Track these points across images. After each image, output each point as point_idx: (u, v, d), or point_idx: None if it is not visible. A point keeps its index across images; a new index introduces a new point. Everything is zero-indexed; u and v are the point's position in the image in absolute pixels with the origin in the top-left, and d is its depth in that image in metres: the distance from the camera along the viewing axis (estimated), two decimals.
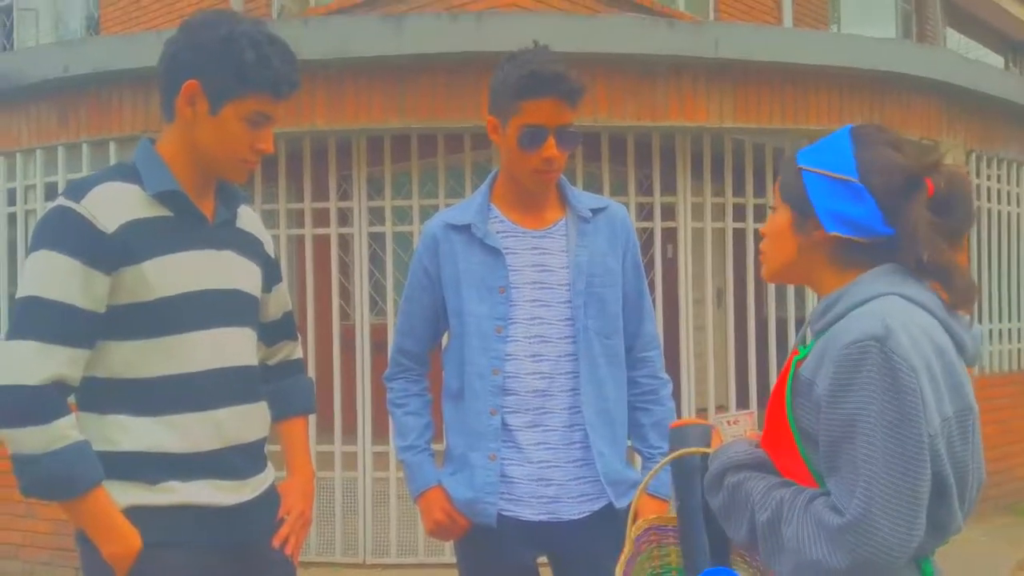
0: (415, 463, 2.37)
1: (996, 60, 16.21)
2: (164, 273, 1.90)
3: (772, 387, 1.63)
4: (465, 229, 2.27)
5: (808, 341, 1.58)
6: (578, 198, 2.34)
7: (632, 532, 1.87)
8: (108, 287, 1.85)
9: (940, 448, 1.40)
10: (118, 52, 5.35)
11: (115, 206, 1.87)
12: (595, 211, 2.33)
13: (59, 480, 1.80)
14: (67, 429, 1.80)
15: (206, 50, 1.89)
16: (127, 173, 1.94)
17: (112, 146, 5.44)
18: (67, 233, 1.83)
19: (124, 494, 1.86)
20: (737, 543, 1.59)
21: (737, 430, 1.73)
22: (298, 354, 2.34)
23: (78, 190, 1.87)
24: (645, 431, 2.40)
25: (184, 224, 1.95)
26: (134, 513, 1.86)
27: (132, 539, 1.84)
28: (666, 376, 2.47)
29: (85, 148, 5.53)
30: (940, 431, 1.41)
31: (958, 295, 1.51)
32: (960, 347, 1.50)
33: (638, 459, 2.47)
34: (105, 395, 1.90)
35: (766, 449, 1.59)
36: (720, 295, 7.12)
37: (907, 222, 1.47)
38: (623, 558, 1.80)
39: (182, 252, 1.93)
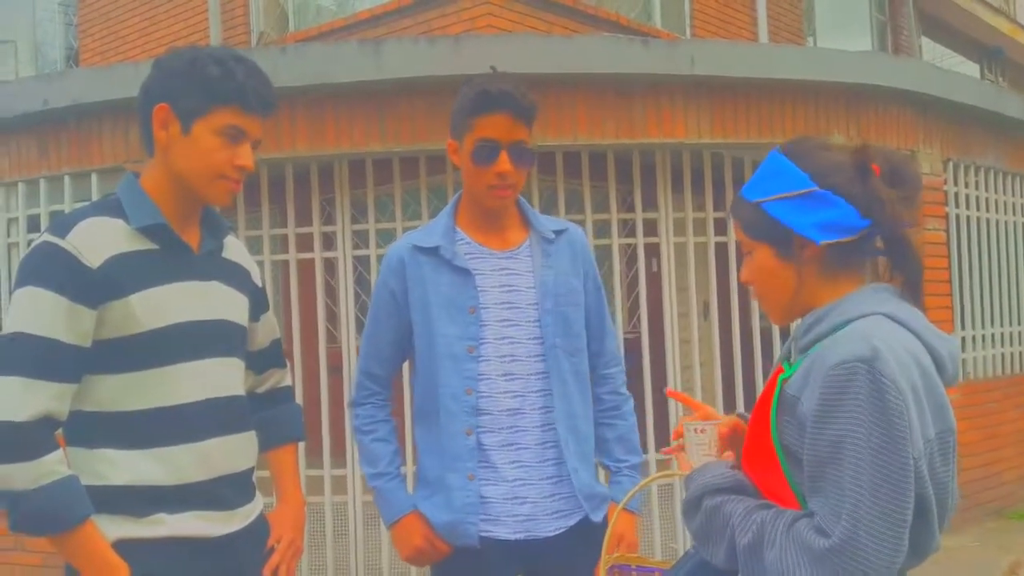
0: (388, 490, 2.37)
1: (972, 68, 16.37)
2: (150, 306, 1.91)
3: (755, 403, 1.65)
4: (432, 251, 2.31)
5: (793, 358, 1.59)
6: (539, 220, 2.41)
7: (604, 565, 1.89)
8: (94, 322, 1.87)
9: (923, 470, 1.42)
10: (97, 84, 5.37)
11: (100, 241, 1.88)
12: (557, 232, 2.40)
13: (48, 516, 1.80)
14: (55, 464, 1.80)
15: (172, 73, 1.94)
16: (111, 208, 1.95)
17: (94, 177, 5.45)
18: (52, 269, 1.85)
19: (113, 528, 1.87)
20: (716, 565, 1.59)
21: (703, 439, 1.73)
22: (287, 382, 2.36)
23: (63, 226, 1.88)
24: (610, 445, 2.45)
25: (169, 256, 1.97)
26: (123, 547, 1.86)
27: (121, 573, 1.84)
28: (627, 392, 2.53)
29: (67, 180, 5.54)
30: (923, 453, 1.42)
31: (913, 281, 1.55)
32: (940, 366, 1.51)
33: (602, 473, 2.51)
34: (92, 429, 1.91)
35: (746, 467, 1.61)
36: (706, 308, 7.16)
37: (878, 202, 1.51)
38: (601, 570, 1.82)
39: (168, 284, 1.95)
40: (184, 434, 1.94)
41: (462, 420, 2.26)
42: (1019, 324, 7.52)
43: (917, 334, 1.50)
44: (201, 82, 1.91)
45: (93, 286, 1.85)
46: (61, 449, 1.85)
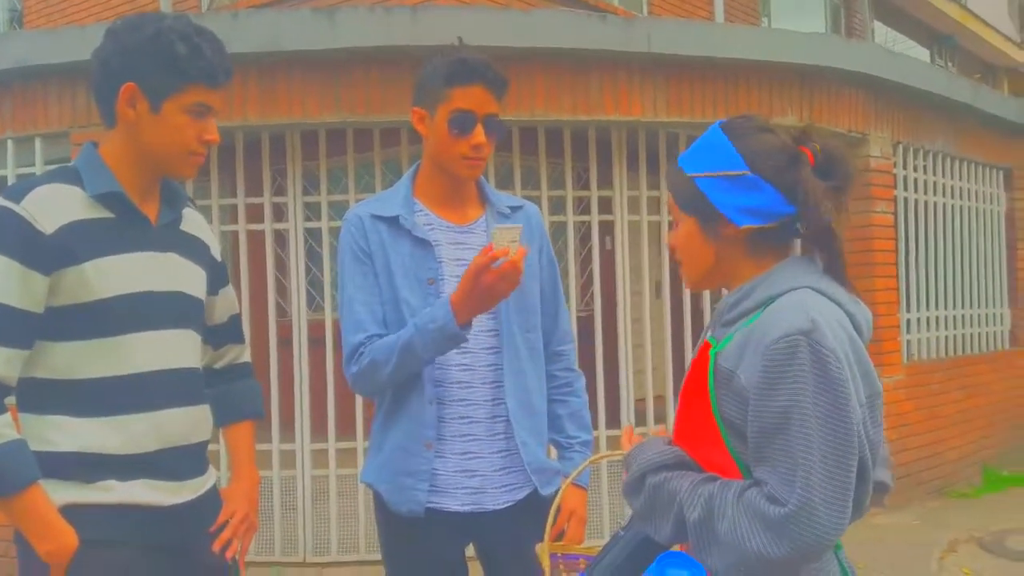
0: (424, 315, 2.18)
1: (922, 53, 16.60)
2: (105, 274, 1.90)
3: (683, 383, 1.65)
4: (391, 221, 2.28)
5: (719, 332, 1.61)
6: (496, 196, 2.40)
7: (546, 550, 1.88)
8: (47, 288, 1.86)
9: (862, 434, 1.46)
10: (43, 47, 5.22)
11: (55, 207, 1.88)
12: (513, 208, 2.40)
13: None
14: (2, 427, 1.80)
15: (136, 51, 1.91)
16: (69, 175, 1.95)
17: (38, 142, 5.31)
18: (5, 234, 1.84)
19: (61, 492, 1.87)
20: (661, 541, 1.60)
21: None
22: (245, 358, 2.35)
23: (18, 191, 1.88)
24: (562, 422, 2.46)
25: (126, 226, 1.97)
26: (71, 511, 1.86)
27: (68, 537, 1.84)
28: (579, 370, 2.54)
29: (10, 144, 5.39)
30: (860, 418, 1.46)
31: (834, 261, 1.58)
32: (859, 332, 1.56)
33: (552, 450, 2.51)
34: (45, 396, 1.91)
35: (681, 444, 1.62)
36: (658, 287, 7.20)
37: (803, 193, 1.53)
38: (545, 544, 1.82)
39: (123, 254, 1.94)
40: (138, 403, 1.93)
41: (429, 389, 2.25)
42: (963, 307, 7.67)
43: (839, 304, 1.54)
44: (169, 61, 1.90)
45: (46, 252, 1.85)
46: (9, 413, 1.84)
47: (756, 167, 1.56)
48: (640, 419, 5.82)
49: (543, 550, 1.90)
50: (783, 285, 1.54)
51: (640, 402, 5.85)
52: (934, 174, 7.28)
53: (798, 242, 1.64)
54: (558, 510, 1.95)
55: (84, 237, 1.89)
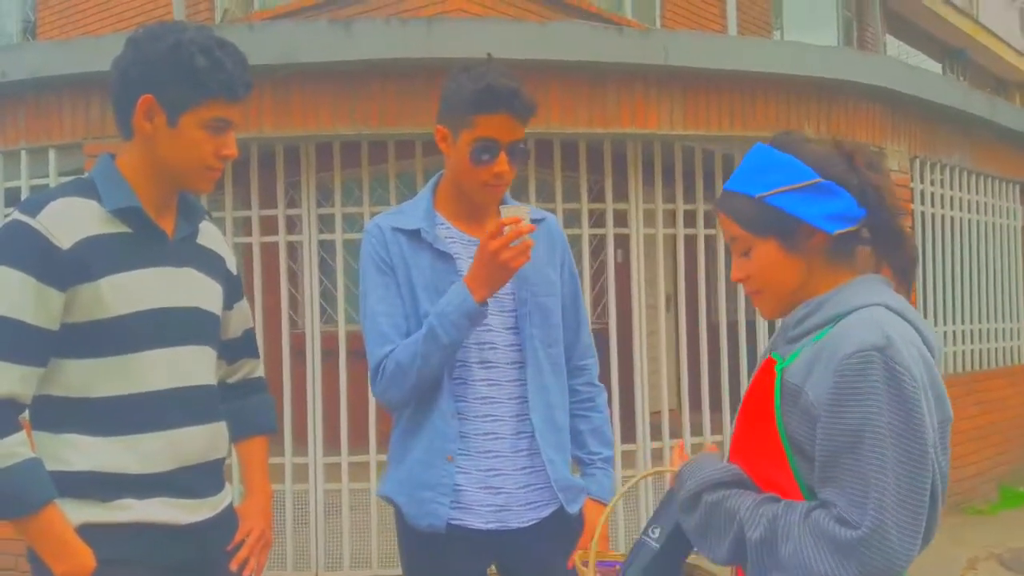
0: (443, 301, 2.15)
1: (934, 67, 16.56)
2: (121, 291, 1.87)
3: (743, 399, 1.61)
4: (413, 234, 2.24)
5: (784, 349, 1.57)
6: (518, 209, 2.34)
7: (592, 561, 1.84)
8: (62, 304, 1.82)
9: (935, 458, 1.43)
10: (56, 57, 5.21)
11: (72, 222, 1.84)
12: (535, 221, 2.33)
13: (9, 498, 1.76)
14: (17, 446, 1.77)
15: (156, 63, 1.87)
16: (85, 188, 1.91)
17: (52, 153, 5.30)
18: (21, 248, 1.80)
19: (77, 512, 1.83)
20: (715, 562, 1.57)
21: None
22: (259, 372, 2.32)
23: (34, 205, 1.84)
24: (584, 438, 2.41)
25: (143, 241, 1.93)
26: (88, 531, 1.83)
27: (85, 557, 1.81)
28: (601, 384, 2.50)
29: (24, 155, 5.38)
30: (933, 439, 1.42)
31: (905, 263, 1.57)
32: (931, 352, 1.52)
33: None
34: (59, 414, 1.87)
35: (738, 462, 1.58)
36: (669, 300, 7.16)
37: (874, 192, 1.53)
38: (591, 564, 1.77)
39: (140, 269, 1.91)
40: (153, 422, 1.90)
41: (450, 403, 2.21)
42: (980, 322, 7.60)
43: (913, 324, 1.50)
44: (188, 74, 1.86)
45: (63, 268, 1.81)
46: (24, 432, 1.81)
47: (826, 174, 1.54)
48: (655, 433, 5.77)
49: (588, 563, 1.84)
50: (856, 301, 1.51)
51: (655, 415, 5.81)
52: (951, 188, 7.23)
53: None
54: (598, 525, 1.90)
55: (100, 253, 1.85)
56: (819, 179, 1.53)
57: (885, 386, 1.38)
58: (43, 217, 1.81)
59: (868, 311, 1.48)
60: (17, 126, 5.39)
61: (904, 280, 1.57)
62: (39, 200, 1.86)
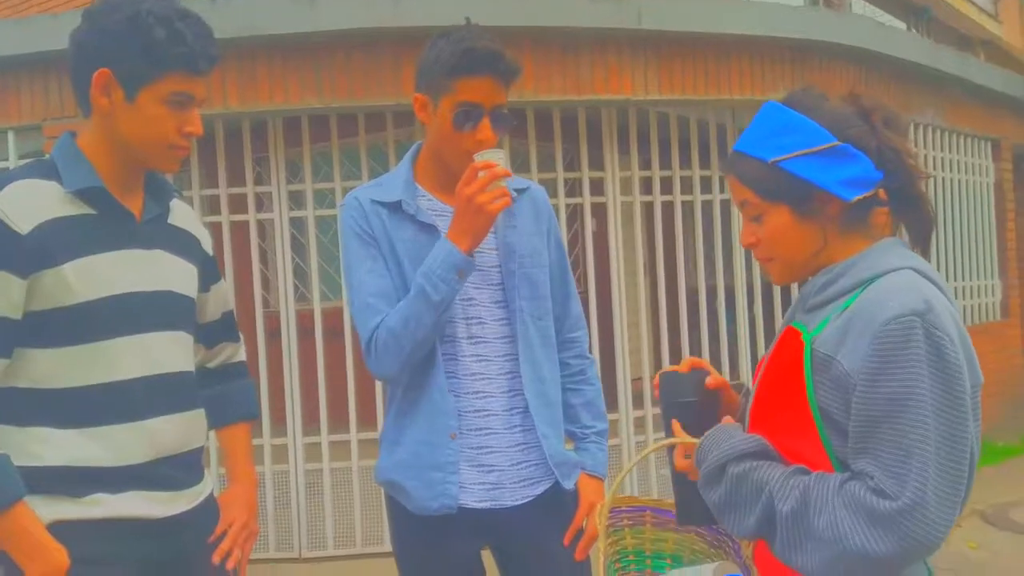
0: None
1: (899, 26, 16.53)
2: (86, 276, 1.77)
3: (763, 370, 1.55)
4: (394, 206, 2.16)
5: (808, 318, 1.51)
6: None
7: (601, 524, 1.80)
8: (24, 292, 1.73)
9: (972, 426, 1.38)
10: (13, 36, 5.05)
11: (31, 205, 1.74)
12: (518, 191, 2.26)
13: None
14: None
15: (112, 34, 1.76)
16: (45, 170, 1.81)
17: (11, 136, 5.16)
18: None
19: (48, 509, 1.75)
20: (739, 536, 1.52)
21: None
22: (240, 356, 2.23)
23: None
24: (577, 411, 2.35)
25: (108, 223, 1.83)
26: (60, 529, 1.75)
27: (58, 556, 1.73)
28: (591, 356, 2.44)
29: None
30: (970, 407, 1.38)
31: (924, 226, 1.51)
32: None
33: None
34: (26, 406, 1.78)
35: (762, 434, 1.52)
36: (649, 267, 7.11)
37: (893, 154, 1.46)
38: (601, 559, 1.72)
39: (106, 253, 1.81)
40: (125, 412, 1.81)
41: (444, 379, 2.15)
42: (955, 280, 7.63)
43: (939, 288, 1.45)
44: (146, 46, 1.75)
45: (23, 254, 1.71)
46: None
47: (843, 136, 1.46)
48: (637, 400, 5.74)
49: (601, 512, 1.79)
50: (882, 265, 1.44)
51: (636, 382, 5.78)
52: (924, 147, 7.22)
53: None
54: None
55: (62, 236, 1.75)
56: (836, 142, 1.46)
57: (926, 353, 1.33)
58: (0, 201, 1.72)
59: (899, 275, 1.42)
60: None
61: (922, 243, 1.51)
62: None
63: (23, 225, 1.72)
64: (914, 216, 1.51)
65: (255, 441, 5.25)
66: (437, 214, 2.18)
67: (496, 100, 2.09)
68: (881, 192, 1.50)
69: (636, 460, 1.76)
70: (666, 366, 1.86)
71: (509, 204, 2.03)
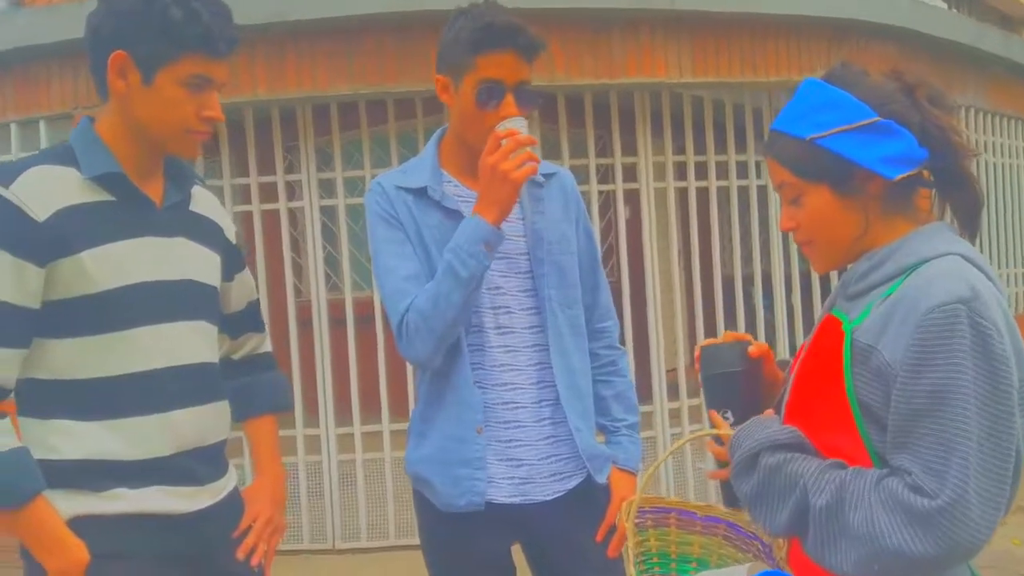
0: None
1: (940, 5, 16.24)
2: (105, 264, 1.73)
3: (801, 360, 1.47)
4: (419, 192, 2.10)
5: (849, 306, 1.44)
6: None
7: (629, 521, 1.73)
8: (42, 281, 1.69)
9: (1020, 421, 1.30)
10: (44, 25, 5.04)
11: (48, 191, 1.70)
12: (546, 176, 2.20)
13: None
14: (0, 435, 1.65)
15: (127, 16, 1.72)
16: (63, 155, 1.77)
17: (42, 125, 5.16)
18: None
19: (68, 504, 1.71)
20: (771, 531, 1.44)
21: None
22: (266, 348, 2.18)
23: (7, 175, 1.70)
24: (607, 403, 2.28)
25: (127, 210, 1.78)
26: (80, 524, 1.71)
27: (78, 552, 1.69)
28: (622, 347, 2.36)
29: (13, 128, 5.24)
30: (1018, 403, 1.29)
31: (972, 208, 1.44)
32: None
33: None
34: (46, 398, 1.74)
35: (799, 427, 1.44)
36: (684, 255, 7.02)
37: (939, 131, 1.39)
38: (630, 556, 1.65)
39: (125, 240, 1.76)
40: (147, 404, 1.77)
41: (470, 371, 2.08)
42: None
43: (987, 275, 1.37)
44: (162, 27, 1.70)
45: (40, 241, 1.68)
46: (8, 419, 1.69)
47: (885, 112, 1.39)
48: (672, 392, 5.65)
49: (628, 512, 1.72)
50: (927, 250, 1.37)
51: (671, 372, 5.69)
52: (965, 129, 7.04)
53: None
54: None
55: (80, 223, 1.71)
56: (877, 118, 1.39)
57: (971, 343, 1.25)
58: (16, 188, 1.68)
59: (945, 260, 1.34)
60: (5, 98, 5.24)
61: (970, 227, 1.44)
62: (12, 170, 1.71)
63: (40, 212, 1.68)
64: (961, 197, 1.43)
65: (288, 432, 5.25)
66: (463, 199, 2.11)
67: (519, 76, 2.03)
68: (925, 172, 1.42)
69: (666, 455, 1.70)
70: (690, 344, 1.79)
71: (535, 171, 1.97)
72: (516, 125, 1.95)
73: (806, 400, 1.44)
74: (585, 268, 2.25)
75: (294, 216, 5.73)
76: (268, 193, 5.44)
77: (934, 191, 1.47)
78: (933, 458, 1.26)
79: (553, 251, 2.15)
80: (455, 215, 2.08)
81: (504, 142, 1.92)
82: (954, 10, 16.35)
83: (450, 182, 2.14)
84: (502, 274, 2.11)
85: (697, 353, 1.70)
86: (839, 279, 1.51)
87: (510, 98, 2.01)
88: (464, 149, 2.12)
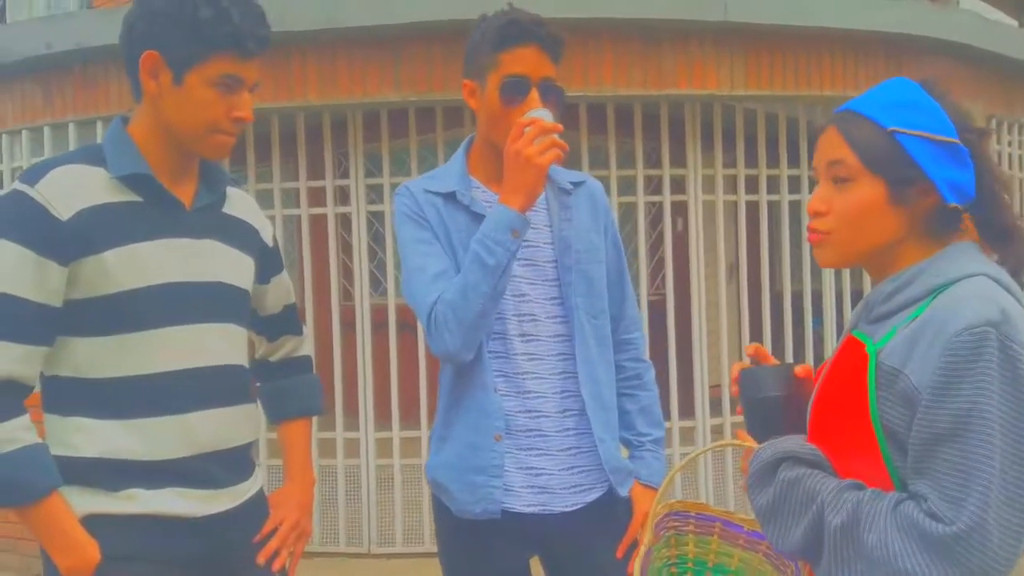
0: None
1: (1009, 23, 15.87)
2: (128, 263, 1.74)
3: (821, 383, 1.43)
4: (448, 197, 2.09)
5: (872, 328, 1.40)
6: (556, 170, 2.16)
7: (652, 520, 1.71)
8: (65, 279, 1.70)
9: None
10: (101, 27, 5.13)
11: (73, 190, 1.71)
12: (575, 184, 2.18)
13: (9, 485, 1.66)
14: (18, 431, 1.66)
15: (158, 15, 1.73)
16: (92, 155, 1.78)
17: (99, 125, 5.25)
18: (18, 220, 1.68)
19: (83, 501, 1.72)
20: (780, 550, 1.41)
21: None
22: (304, 351, 2.18)
23: (35, 173, 1.72)
24: (632, 418, 2.24)
25: (154, 210, 1.79)
26: (93, 522, 1.72)
27: (90, 550, 1.70)
28: (648, 360, 2.32)
29: (72, 128, 5.34)
30: None
31: (1018, 260, 1.38)
32: None
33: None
34: (68, 396, 1.76)
35: (821, 447, 1.40)
36: (731, 270, 6.93)
37: (988, 177, 1.35)
38: (642, 549, 1.63)
39: (150, 241, 1.77)
40: (163, 405, 1.77)
41: (491, 377, 2.06)
42: None
43: (1016, 298, 1.32)
44: (192, 27, 1.71)
45: (63, 240, 1.69)
46: (27, 416, 1.70)
47: (963, 139, 1.35)
48: (715, 408, 5.57)
49: (647, 526, 1.70)
50: (956, 271, 1.33)
51: (715, 388, 5.61)
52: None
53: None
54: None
55: (105, 223, 1.72)
56: (958, 140, 1.35)
57: (999, 368, 1.21)
58: (42, 186, 1.70)
59: (973, 282, 1.30)
60: (64, 98, 5.35)
61: (1015, 274, 1.39)
62: (40, 168, 1.74)
63: (63, 211, 1.69)
64: (1005, 249, 1.38)
65: (328, 434, 5.28)
66: (491, 205, 2.09)
67: (544, 71, 2.02)
68: (966, 216, 1.38)
69: (680, 466, 1.67)
70: (736, 361, 1.74)
71: (560, 157, 1.94)
72: (540, 114, 1.94)
73: (827, 424, 1.40)
74: (613, 280, 2.22)
75: (343, 220, 5.78)
76: (317, 197, 5.49)
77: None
78: (952, 485, 1.22)
79: (581, 259, 2.13)
80: (482, 220, 2.06)
81: (528, 129, 1.91)
82: None
83: (478, 188, 2.13)
84: (529, 281, 2.10)
85: (734, 375, 1.64)
86: (864, 299, 1.47)
87: (535, 93, 2.00)
88: (492, 154, 2.10)
